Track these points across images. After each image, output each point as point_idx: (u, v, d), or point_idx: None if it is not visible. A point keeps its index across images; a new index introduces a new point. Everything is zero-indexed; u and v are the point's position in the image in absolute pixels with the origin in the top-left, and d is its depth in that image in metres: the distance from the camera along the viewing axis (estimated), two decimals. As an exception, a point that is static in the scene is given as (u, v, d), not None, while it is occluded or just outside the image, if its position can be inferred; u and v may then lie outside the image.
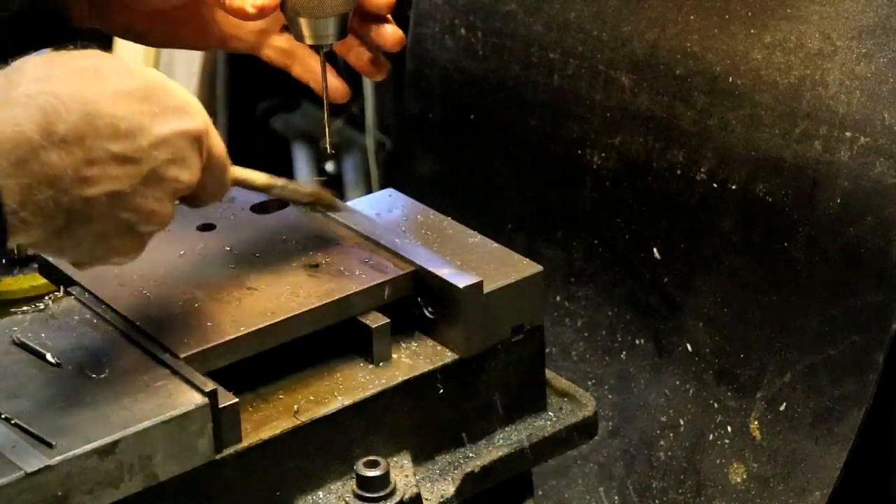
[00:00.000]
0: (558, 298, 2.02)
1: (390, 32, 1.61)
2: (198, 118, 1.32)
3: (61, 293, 1.51)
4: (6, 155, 1.19)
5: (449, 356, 1.51)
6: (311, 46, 1.58)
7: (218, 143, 1.36)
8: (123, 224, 1.28)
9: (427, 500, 1.47)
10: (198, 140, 1.31)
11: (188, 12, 1.65)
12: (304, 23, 1.54)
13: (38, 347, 1.41)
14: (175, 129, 1.28)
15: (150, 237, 1.33)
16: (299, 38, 1.57)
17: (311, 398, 1.45)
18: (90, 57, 1.27)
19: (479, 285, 1.49)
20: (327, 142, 1.64)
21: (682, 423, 1.88)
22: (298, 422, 1.42)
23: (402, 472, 1.46)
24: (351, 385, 1.47)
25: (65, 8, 1.63)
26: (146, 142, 1.26)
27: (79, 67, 1.25)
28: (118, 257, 1.33)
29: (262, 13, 1.53)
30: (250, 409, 1.44)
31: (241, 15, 1.53)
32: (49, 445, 1.28)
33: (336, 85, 1.63)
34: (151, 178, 1.27)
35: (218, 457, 1.37)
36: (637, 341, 1.95)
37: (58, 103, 1.21)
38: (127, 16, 1.66)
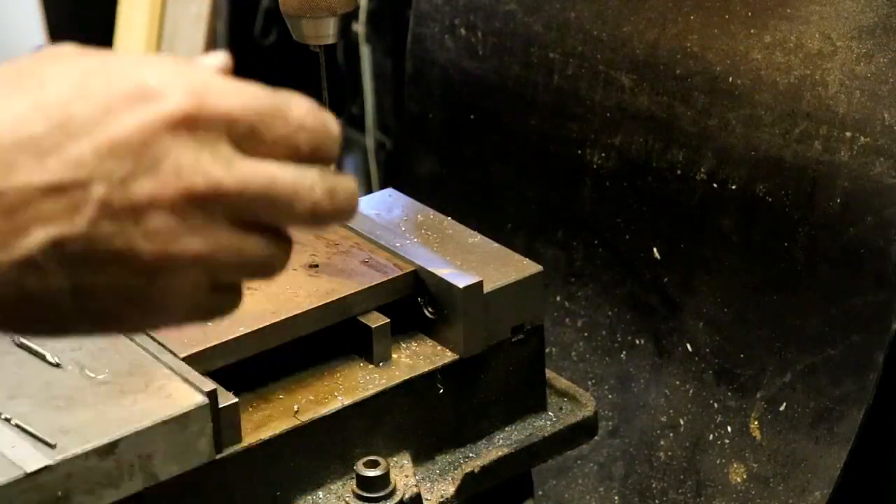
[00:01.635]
0: (558, 298, 2.02)
1: None
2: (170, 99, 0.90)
3: (61, 293, 1.51)
4: None
5: (449, 356, 1.51)
6: (312, 46, 1.58)
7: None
8: None
9: (427, 500, 1.46)
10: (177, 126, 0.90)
11: None
12: (304, 23, 1.54)
13: (38, 347, 1.41)
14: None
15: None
16: (299, 37, 1.56)
17: (311, 398, 1.45)
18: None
19: (479, 285, 1.49)
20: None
21: (682, 423, 1.88)
22: (298, 422, 1.42)
23: (402, 472, 1.46)
24: (351, 385, 1.47)
25: None
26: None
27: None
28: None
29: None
30: (250, 409, 1.44)
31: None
32: (49, 445, 1.28)
33: None
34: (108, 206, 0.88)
35: (218, 457, 1.36)
36: (637, 341, 1.95)
37: None
38: None
